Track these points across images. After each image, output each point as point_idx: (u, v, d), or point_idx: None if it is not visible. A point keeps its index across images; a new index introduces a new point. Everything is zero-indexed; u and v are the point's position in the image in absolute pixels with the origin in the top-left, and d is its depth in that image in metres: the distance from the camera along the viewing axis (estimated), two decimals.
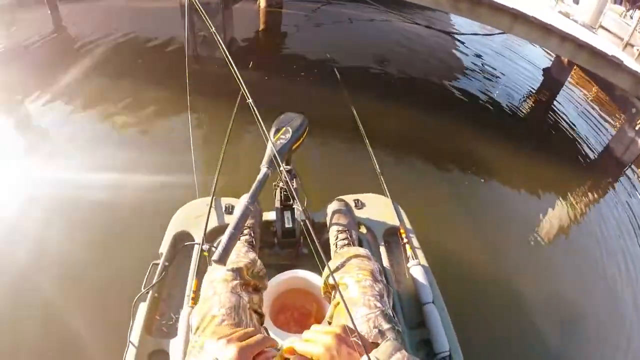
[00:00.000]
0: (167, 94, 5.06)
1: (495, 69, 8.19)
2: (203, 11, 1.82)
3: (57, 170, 4.04)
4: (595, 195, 5.21)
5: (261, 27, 8.45)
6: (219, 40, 1.70)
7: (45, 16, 7.51)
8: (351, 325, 1.05)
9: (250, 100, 1.39)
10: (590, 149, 6.19)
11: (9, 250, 3.20)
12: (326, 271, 1.50)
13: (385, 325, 1.20)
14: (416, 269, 1.86)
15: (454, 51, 8.70)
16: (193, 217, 2.01)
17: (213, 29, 1.79)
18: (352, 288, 1.32)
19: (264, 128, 1.39)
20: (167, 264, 1.82)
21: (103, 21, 7.54)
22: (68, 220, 3.47)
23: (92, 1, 8.56)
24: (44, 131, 4.74)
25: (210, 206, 1.98)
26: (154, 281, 1.73)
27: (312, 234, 1.18)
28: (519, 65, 8.73)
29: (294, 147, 1.62)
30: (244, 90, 1.43)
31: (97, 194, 3.72)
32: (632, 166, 5.89)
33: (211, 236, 1.92)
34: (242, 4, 7.34)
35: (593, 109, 7.78)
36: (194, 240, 1.90)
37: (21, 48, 6.53)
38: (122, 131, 4.70)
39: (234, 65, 1.52)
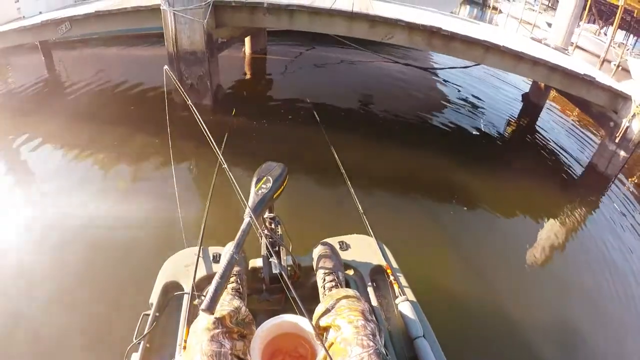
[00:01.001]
0: (156, 141, 5.16)
1: (475, 99, 8.40)
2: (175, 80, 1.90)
3: (44, 217, 4.09)
4: (583, 212, 5.28)
5: (246, 73, 8.67)
6: (184, 94, 1.77)
7: (39, 62, 7.76)
8: None
9: (225, 166, 1.45)
10: (574, 167, 6.31)
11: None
12: (317, 314, 1.53)
13: None
14: (405, 305, 1.88)
15: (434, 86, 8.96)
16: (182, 266, 2.03)
17: (184, 94, 1.86)
18: (345, 329, 1.36)
19: (241, 195, 1.45)
20: (157, 314, 1.83)
21: (94, 68, 7.76)
22: (55, 270, 3.48)
23: (84, 49, 8.81)
24: (33, 174, 4.85)
25: (198, 256, 2.00)
26: (146, 331, 1.73)
27: (300, 279, 1.22)
28: (499, 93, 8.99)
29: (275, 195, 1.67)
30: (219, 154, 1.49)
31: (82, 243, 3.75)
32: (618, 178, 6.01)
33: (200, 285, 1.94)
34: (228, 51, 7.54)
35: (574, 128, 7.99)
36: (183, 290, 1.92)
37: (15, 92, 6.71)
38: (109, 177, 4.78)
39: (201, 120, 1.58)
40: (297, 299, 1.93)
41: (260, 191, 1.61)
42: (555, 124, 7.95)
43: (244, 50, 9.13)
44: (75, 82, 7.21)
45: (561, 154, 6.65)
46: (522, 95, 8.71)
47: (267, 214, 1.85)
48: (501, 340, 3.27)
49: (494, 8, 20.16)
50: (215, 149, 1.54)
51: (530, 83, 8.71)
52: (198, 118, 1.59)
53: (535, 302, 3.73)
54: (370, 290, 2.01)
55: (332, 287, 1.75)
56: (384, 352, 1.31)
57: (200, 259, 2.03)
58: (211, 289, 1.32)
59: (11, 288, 3.31)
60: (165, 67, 2.00)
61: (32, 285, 3.34)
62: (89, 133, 5.61)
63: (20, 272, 3.46)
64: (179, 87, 1.93)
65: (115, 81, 7.25)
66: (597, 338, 3.49)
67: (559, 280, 4.06)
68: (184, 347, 1.62)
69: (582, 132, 7.82)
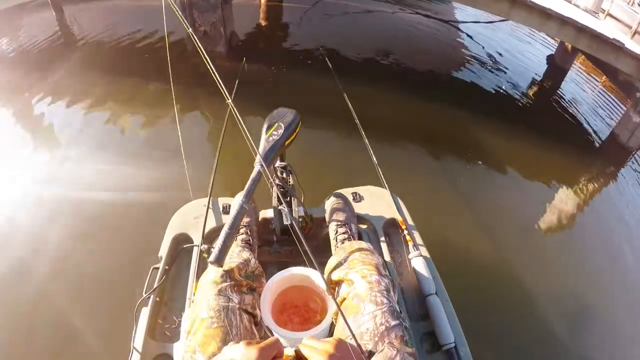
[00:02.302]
0: (168, 89, 5.13)
1: (498, 57, 8.12)
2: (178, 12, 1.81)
3: (56, 170, 4.12)
4: (601, 183, 5.16)
5: (262, 21, 8.49)
6: (196, 41, 1.68)
7: (51, 18, 7.70)
8: (354, 325, 1.04)
9: (230, 101, 1.37)
10: (595, 136, 6.12)
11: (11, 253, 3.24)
12: (328, 267, 1.48)
13: (393, 322, 1.18)
14: (418, 261, 1.83)
15: (456, 40, 8.67)
16: (191, 218, 2.00)
17: (190, 29, 1.77)
18: (359, 284, 1.30)
19: (246, 130, 1.38)
20: (167, 267, 1.81)
21: (106, 20, 7.68)
22: (60, 228, 3.49)
23: (95, 1, 8.71)
24: (48, 130, 4.83)
25: (208, 207, 1.96)
26: (155, 285, 1.71)
27: (312, 230, 1.17)
28: (523, 53, 8.65)
29: (287, 143, 1.60)
30: (223, 90, 1.41)
31: (93, 198, 3.76)
32: (638, 152, 5.83)
33: (210, 237, 1.91)
34: None
35: (598, 95, 7.71)
36: (192, 242, 1.89)
37: (27, 49, 6.67)
38: (123, 129, 4.80)
39: (210, 63, 1.50)
40: (308, 250, 1.90)
41: (271, 138, 1.54)
42: (580, 90, 7.66)
43: None
44: (87, 36, 7.14)
45: (583, 120, 6.45)
46: (547, 57, 8.40)
47: (278, 163, 1.78)
48: (514, 302, 3.26)
49: None
50: (225, 94, 1.46)
51: (557, 45, 8.37)
52: (208, 63, 1.50)
53: (546, 269, 3.70)
54: (383, 244, 1.96)
55: (345, 239, 1.70)
56: (398, 309, 1.25)
57: (210, 211, 1.99)
58: (220, 240, 1.27)
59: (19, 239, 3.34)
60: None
61: (38, 241, 3.36)
62: (102, 85, 5.59)
63: (28, 225, 3.49)
64: (185, 23, 1.83)
65: (127, 32, 7.17)
66: (608, 312, 3.46)
67: (571, 249, 4.02)
68: (193, 301, 1.60)
69: (606, 100, 7.53)
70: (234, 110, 1.37)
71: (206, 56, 1.57)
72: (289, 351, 1.02)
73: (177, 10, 1.81)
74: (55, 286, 3.00)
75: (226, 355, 0.94)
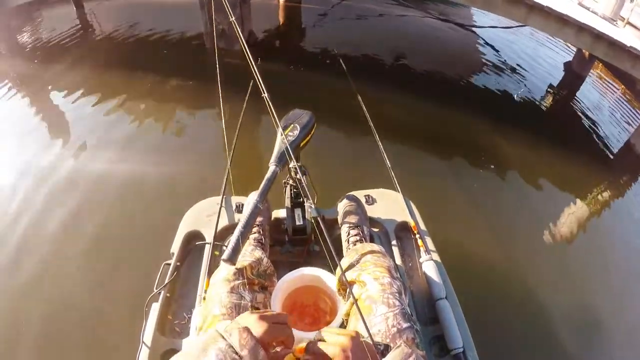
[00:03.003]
0: (191, 86, 5.19)
1: (515, 63, 8.04)
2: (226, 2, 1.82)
3: (79, 160, 4.19)
4: (615, 193, 5.08)
5: (280, 21, 8.55)
6: (238, 32, 1.69)
7: (71, 13, 7.82)
8: (369, 324, 1.04)
9: (266, 95, 1.38)
10: (611, 145, 6.02)
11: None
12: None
13: (404, 324, 1.19)
14: (429, 265, 1.83)
15: (473, 45, 8.62)
16: (204, 216, 2.01)
17: (233, 18, 1.78)
18: (371, 285, 1.31)
19: (278, 122, 1.38)
20: (178, 263, 1.83)
21: (126, 17, 7.78)
22: (79, 219, 3.53)
23: None
24: (71, 122, 4.91)
25: (221, 205, 1.98)
26: (166, 281, 1.73)
27: (324, 231, 1.18)
28: (541, 59, 8.57)
29: (302, 144, 1.61)
30: (260, 84, 1.42)
31: (106, 190, 3.82)
32: None
33: (222, 235, 1.92)
34: None
35: (615, 104, 7.60)
36: (205, 240, 1.91)
37: (47, 43, 6.77)
38: (142, 124, 4.86)
39: (251, 58, 1.51)
40: (320, 252, 1.91)
41: (287, 139, 1.55)
42: (596, 98, 7.56)
43: None
44: (107, 32, 7.25)
45: (598, 128, 6.35)
46: (565, 63, 8.32)
47: (292, 164, 1.79)
48: (524, 309, 3.24)
49: None
50: (256, 73, 1.46)
51: (574, 52, 8.27)
52: (251, 62, 1.51)
53: (558, 279, 3.65)
54: (394, 247, 1.96)
55: (357, 241, 1.71)
56: (409, 312, 1.26)
57: (223, 209, 2.01)
58: (233, 238, 1.28)
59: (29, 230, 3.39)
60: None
61: (55, 234, 3.40)
62: (122, 79, 5.71)
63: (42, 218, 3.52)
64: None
65: (147, 29, 7.28)
66: (622, 327, 3.39)
67: (584, 259, 3.95)
68: (204, 298, 1.61)
69: (623, 109, 7.43)
70: (268, 102, 1.38)
71: (249, 54, 1.57)
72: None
73: (226, 4, 1.82)
74: (67, 276, 3.05)
75: (240, 322, 0.94)
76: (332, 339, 0.94)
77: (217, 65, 2.29)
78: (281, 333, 0.95)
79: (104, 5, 8.52)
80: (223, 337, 0.88)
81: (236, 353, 0.85)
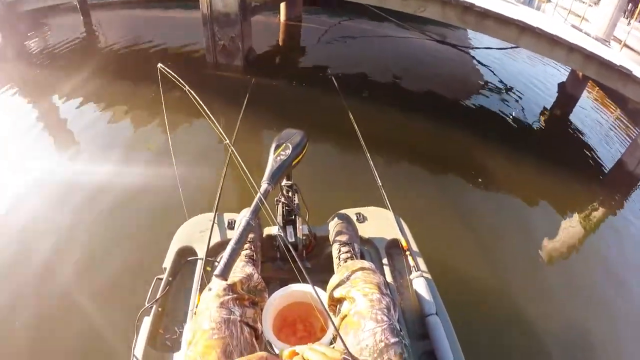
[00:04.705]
0: (185, 101, 5.26)
1: (509, 83, 8.18)
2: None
3: (77, 168, 4.26)
4: (607, 211, 5.12)
5: (280, 39, 8.76)
6: (188, 90, 1.75)
7: (78, 22, 8.03)
8: (354, 341, 1.09)
9: (231, 145, 1.42)
10: (602, 162, 6.10)
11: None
12: (331, 285, 1.51)
13: (392, 339, 1.20)
14: (419, 281, 1.85)
15: (468, 66, 8.77)
16: (196, 232, 2.03)
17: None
18: (360, 301, 1.32)
19: (252, 180, 1.43)
20: (170, 278, 1.83)
21: (131, 29, 8.00)
22: (72, 230, 3.54)
23: (122, 10, 9.09)
24: (71, 128, 5.00)
25: (213, 222, 2.00)
26: (158, 296, 1.74)
27: (315, 248, 1.19)
28: (535, 80, 8.70)
29: (294, 162, 1.64)
30: (221, 133, 1.46)
31: (103, 202, 3.82)
32: None
33: (214, 251, 1.93)
34: (265, 16, 7.86)
35: (608, 123, 7.71)
36: (197, 255, 1.92)
37: (53, 51, 6.92)
38: (141, 135, 4.95)
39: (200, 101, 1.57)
40: (311, 269, 1.92)
41: (278, 158, 1.58)
42: (589, 117, 7.66)
43: (279, 17, 9.21)
44: (112, 42, 7.44)
45: (591, 147, 6.44)
46: (558, 84, 8.44)
47: (284, 182, 1.82)
48: (513, 325, 3.26)
49: None
50: (223, 136, 1.51)
51: (568, 72, 8.39)
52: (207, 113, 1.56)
53: (547, 295, 3.67)
54: (385, 262, 1.98)
55: (348, 258, 1.73)
56: (398, 327, 1.27)
57: (215, 225, 2.03)
58: (225, 254, 1.30)
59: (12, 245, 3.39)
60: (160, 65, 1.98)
61: (48, 243, 3.40)
62: (125, 89, 5.86)
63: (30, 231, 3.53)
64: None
65: (150, 40, 7.48)
66: (608, 343, 3.39)
67: (573, 276, 3.97)
68: (195, 313, 1.62)
69: (616, 128, 7.54)
70: (234, 153, 1.42)
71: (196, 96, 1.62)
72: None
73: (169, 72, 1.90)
74: (55, 290, 3.05)
75: None
76: (328, 353, 0.96)
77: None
78: (256, 358, 0.97)
79: (110, 16, 8.70)
80: None
81: None
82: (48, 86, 5.81)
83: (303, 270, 1.19)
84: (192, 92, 1.83)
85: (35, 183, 4.00)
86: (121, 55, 7.01)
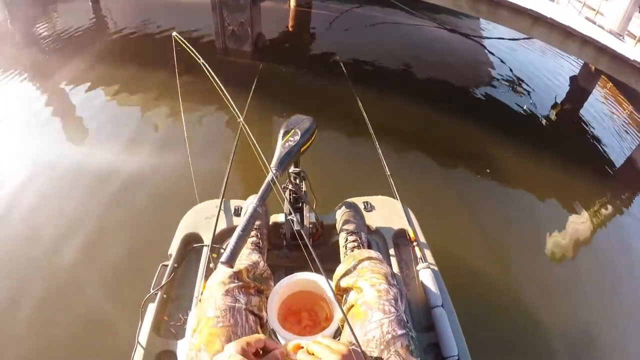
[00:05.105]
0: (200, 84, 5.31)
1: (521, 75, 8.07)
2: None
3: (83, 153, 4.27)
4: (616, 207, 5.07)
5: (290, 25, 8.68)
6: (203, 63, 1.72)
7: (87, 8, 8.03)
8: (361, 332, 1.11)
9: (242, 119, 1.39)
10: (612, 159, 6.04)
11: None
12: (337, 274, 1.49)
13: (399, 331, 1.18)
14: (425, 272, 1.83)
15: (479, 56, 8.67)
16: (202, 218, 2.02)
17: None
18: (368, 291, 1.30)
19: (254, 141, 1.40)
20: (176, 265, 1.82)
21: (140, 14, 7.97)
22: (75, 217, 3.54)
23: None
24: (79, 113, 5.01)
25: (220, 208, 1.98)
26: (163, 282, 1.73)
27: (322, 237, 1.17)
28: (547, 72, 8.59)
29: (302, 149, 1.61)
30: (234, 109, 1.43)
31: (109, 189, 3.82)
32: None
33: (220, 238, 1.92)
34: (274, 2, 7.90)
35: (620, 119, 7.61)
36: (203, 242, 1.91)
37: (62, 36, 6.94)
38: (150, 120, 4.96)
39: (215, 78, 1.53)
40: (317, 257, 1.90)
41: (287, 144, 1.56)
42: (601, 112, 7.55)
43: (289, 3, 9.14)
44: (121, 28, 7.43)
45: (601, 143, 6.37)
46: (570, 77, 8.33)
47: (292, 169, 1.79)
48: (519, 319, 3.25)
49: None
50: (236, 111, 1.49)
51: (580, 66, 8.29)
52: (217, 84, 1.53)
53: (553, 290, 3.65)
54: (391, 253, 1.96)
55: (354, 247, 1.71)
56: (405, 318, 1.26)
57: (221, 212, 2.01)
58: (232, 241, 1.28)
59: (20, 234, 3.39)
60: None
61: (54, 228, 3.41)
62: (133, 74, 5.87)
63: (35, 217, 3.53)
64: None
65: (159, 26, 7.49)
66: (614, 342, 3.39)
67: (580, 272, 3.96)
68: (200, 300, 1.61)
69: (627, 124, 7.45)
70: (245, 128, 1.39)
71: (215, 76, 1.60)
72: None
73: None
74: (59, 276, 3.06)
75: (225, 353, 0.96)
76: (333, 346, 0.95)
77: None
78: (258, 343, 0.97)
79: (119, 2, 8.70)
80: None
81: None
82: (57, 71, 5.81)
83: (315, 257, 1.16)
84: (205, 64, 1.80)
85: (42, 167, 4.01)
86: (131, 41, 7.01)
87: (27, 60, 6.08)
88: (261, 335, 1.00)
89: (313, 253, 1.84)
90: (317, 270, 1.62)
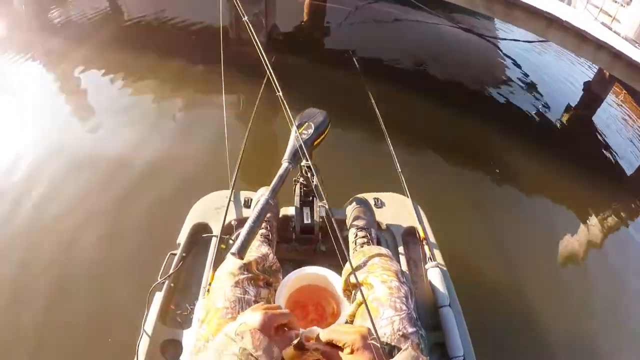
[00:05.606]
0: (215, 74, 5.32)
1: (535, 78, 7.99)
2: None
3: (94, 140, 4.28)
4: (628, 215, 5.01)
5: (304, 18, 8.63)
6: (252, 35, 1.71)
7: None
8: (375, 326, 1.05)
9: (280, 94, 1.38)
10: (625, 167, 5.96)
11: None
12: (347, 269, 1.48)
13: (410, 329, 1.18)
14: (434, 271, 1.82)
15: (494, 58, 8.60)
16: (212, 209, 2.02)
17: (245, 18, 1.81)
18: (379, 288, 1.30)
19: (293, 120, 1.38)
20: (184, 254, 1.83)
21: (155, 2, 7.90)
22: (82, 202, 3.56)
23: None
24: (91, 101, 5.03)
25: (230, 199, 1.98)
26: (171, 271, 1.73)
27: (333, 231, 1.17)
28: (560, 76, 8.54)
29: (315, 143, 1.61)
30: (275, 84, 1.42)
31: (119, 173, 3.84)
32: None
33: (229, 229, 1.92)
34: None
35: (633, 128, 7.51)
36: (212, 232, 1.91)
37: (76, 23, 6.96)
38: (163, 109, 4.98)
39: (265, 57, 1.52)
40: (326, 252, 1.90)
41: (300, 137, 1.55)
42: (614, 119, 7.47)
43: None
44: (135, 15, 7.41)
45: (613, 150, 6.27)
46: (584, 83, 8.26)
47: (304, 162, 1.79)
48: (526, 322, 3.23)
49: None
50: (276, 86, 1.47)
51: (594, 72, 8.20)
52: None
53: (560, 297, 3.62)
54: (401, 250, 1.95)
55: (364, 243, 1.70)
56: (415, 316, 1.25)
57: (231, 203, 2.01)
58: (243, 232, 1.28)
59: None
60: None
61: (62, 215, 3.42)
62: (147, 63, 5.86)
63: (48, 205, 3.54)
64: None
65: (174, 15, 7.43)
66: (618, 349, 3.36)
67: (585, 280, 3.91)
68: (208, 291, 1.61)
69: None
70: (283, 103, 1.38)
71: (264, 55, 1.59)
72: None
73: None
74: (68, 259, 3.08)
75: (247, 323, 0.95)
76: (349, 329, 0.94)
77: (222, 57, 2.29)
78: (283, 318, 0.96)
79: None
80: (235, 341, 0.88)
81: (251, 355, 0.85)
82: (68, 57, 5.83)
83: (324, 251, 1.16)
84: (249, 23, 1.81)
85: (55, 154, 4.01)
86: (145, 29, 7.02)
87: (42, 45, 6.10)
88: (286, 311, 0.99)
89: (322, 247, 1.84)
90: (325, 265, 1.62)
